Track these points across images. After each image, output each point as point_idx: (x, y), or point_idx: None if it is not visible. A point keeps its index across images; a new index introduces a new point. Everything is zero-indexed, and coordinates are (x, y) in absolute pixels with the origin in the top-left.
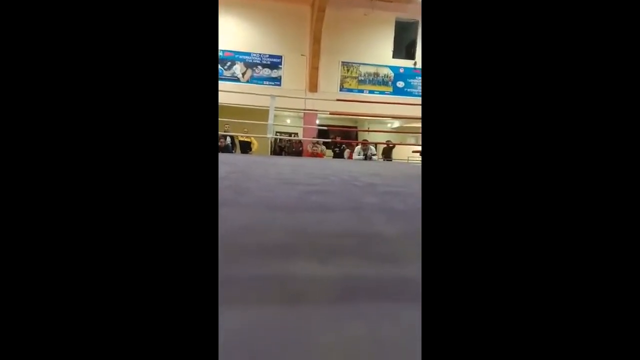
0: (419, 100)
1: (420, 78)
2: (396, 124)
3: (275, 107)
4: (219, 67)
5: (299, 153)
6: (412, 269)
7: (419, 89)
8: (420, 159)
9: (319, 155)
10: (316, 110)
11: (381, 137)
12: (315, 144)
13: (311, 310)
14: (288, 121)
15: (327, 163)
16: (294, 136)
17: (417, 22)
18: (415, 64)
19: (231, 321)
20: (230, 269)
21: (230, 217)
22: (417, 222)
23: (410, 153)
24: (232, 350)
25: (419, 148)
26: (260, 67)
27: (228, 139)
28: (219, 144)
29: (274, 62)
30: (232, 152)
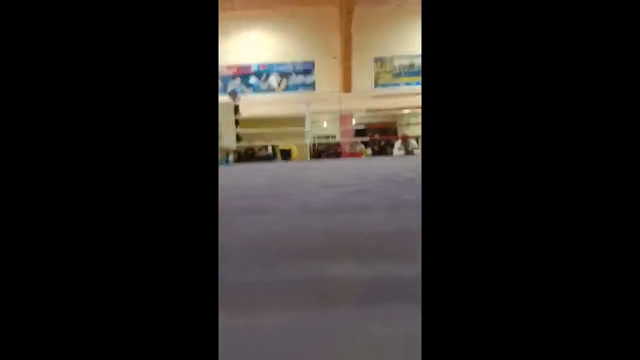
0: None
1: None
2: None
3: (312, 113)
4: (255, 80)
5: (338, 155)
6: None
7: None
8: None
9: (358, 155)
10: (351, 111)
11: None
12: (353, 144)
13: (336, 314)
14: (325, 124)
15: (366, 162)
16: (332, 139)
17: None
18: None
19: (239, 327)
20: (235, 274)
21: (266, 223)
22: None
23: None
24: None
25: None
26: (294, 74)
27: (270, 148)
28: (261, 153)
29: (307, 69)
30: (273, 160)
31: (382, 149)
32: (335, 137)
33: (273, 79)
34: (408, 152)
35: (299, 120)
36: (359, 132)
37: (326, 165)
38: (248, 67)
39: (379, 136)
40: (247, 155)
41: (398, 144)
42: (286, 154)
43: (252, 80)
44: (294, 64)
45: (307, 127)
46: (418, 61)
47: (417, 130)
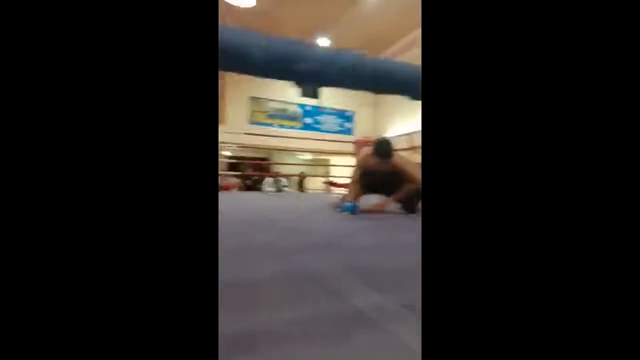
0: (325, 135)
1: (325, 116)
2: (307, 156)
3: None
4: None
5: None
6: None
7: (326, 126)
8: (328, 188)
9: (229, 188)
10: (225, 143)
11: (293, 170)
12: (224, 176)
13: None
14: None
15: (237, 196)
16: None
17: None
18: (320, 103)
19: None
20: None
21: None
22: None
23: (320, 184)
24: None
25: (328, 179)
26: None
27: None
28: None
29: None
30: None
31: (254, 184)
32: None
33: None
34: (278, 189)
35: None
36: (231, 166)
37: None
38: None
39: (252, 171)
40: None
41: (269, 180)
42: None
43: None
44: None
45: None
46: (291, 107)
47: (287, 170)
